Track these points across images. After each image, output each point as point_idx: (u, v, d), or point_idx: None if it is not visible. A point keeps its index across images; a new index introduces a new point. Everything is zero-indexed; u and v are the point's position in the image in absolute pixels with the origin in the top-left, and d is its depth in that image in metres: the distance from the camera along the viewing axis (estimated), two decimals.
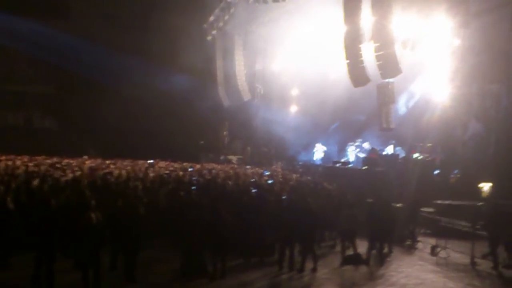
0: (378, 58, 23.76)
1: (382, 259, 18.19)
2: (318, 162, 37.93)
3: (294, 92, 40.90)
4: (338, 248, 18.99)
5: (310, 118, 39.46)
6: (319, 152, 38.51)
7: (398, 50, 24.47)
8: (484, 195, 25.79)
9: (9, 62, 47.32)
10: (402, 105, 31.58)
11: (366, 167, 30.80)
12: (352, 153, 36.35)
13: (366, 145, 35.01)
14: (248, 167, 36.85)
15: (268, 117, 41.65)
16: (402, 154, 31.72)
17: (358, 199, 20.53)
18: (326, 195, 21.49)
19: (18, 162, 27.68)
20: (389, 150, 32.70)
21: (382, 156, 31.84)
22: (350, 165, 34.27)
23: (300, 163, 39.16)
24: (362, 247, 18.17)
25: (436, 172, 28.41)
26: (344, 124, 38.34)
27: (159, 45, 43.26)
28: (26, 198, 16.51)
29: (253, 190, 20.19)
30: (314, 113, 38.79)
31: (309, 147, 40.36)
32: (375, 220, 18.10)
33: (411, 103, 31.91)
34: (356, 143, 36.36)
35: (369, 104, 31.97)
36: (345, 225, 18.47)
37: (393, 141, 32.93)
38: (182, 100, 43.58)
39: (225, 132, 48.21)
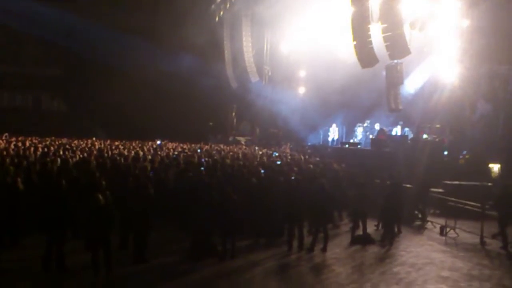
0: (386, 39, 23.67)
1: (391, 239, 18.22)
2: (333, 143, 37.83)
3: (302, 73, 40.82)
4: (347, 228, 19.00)
5: (318, 99, 39.43)
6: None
7: (407, 30, 24.39)
8: (493, 175, 25.85)
9: (17, 44, 47.43)
10: (409, 86, 31.47)
11: (375, 147, 30.83)
12: (361, 134, 36.37)
13: (376, 126, 35.00)
14: (257, 148, 36.89)
15: (276, 98, 41.63)
16: (410, 135, 31.73)
17: (367, 180, 20.51)
18: (334, 175, 21.45)
19: (28, 144, 27.78)
20: (397, 130, 32.73)
21: (391, 137, 31.85)
22: (358, 146, 34.31)
23: (309, 144, 39.13)
24: (370, 227, 18.22)
25: (445, 153, 28.41)
26: (352, 104, 38.26)
27: (166, 26, 43.20)
28: (37, 179, 16.59)
29: (262, 171, 20.24)
30: (322, 94, 38.75)
31: (317, 128, 40.38)
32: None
33: (419, 84, 31.83)
34: (365, 124, 36.37)
35: (377, 85, 32.00)
36: (354, 205, 18.52)
37: (401, 122, 32.96)
38: (190, 81, 43.56)
39: (233, 113, 48.19)
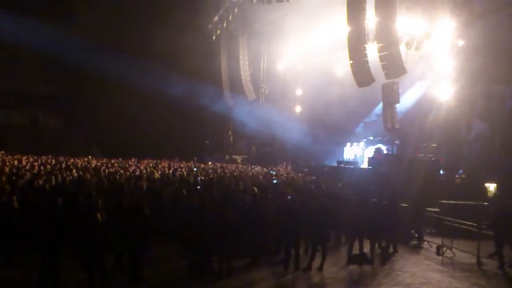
0: (382, 58, 23.76)
1: (387, 259, 18.20)
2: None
3: (299, 92, 40.92)
4: (344, 247, 18.96)
5: (314, 118, 39.56)
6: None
7: (403, 50, 24.50)
8: (489, 195, 25.87)
9: (13, 62, 47.40)
10: (405, 105, 31.61)
11: (371, 167, 30.88)
12: (357, 153, 36.46)
13: (365, 146, 35.19)
14: (253, 166, 36.91)
15: (273, 117, 41.70)
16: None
17: (363, 199, 20.51)
18: (330, 194, 21.43)
19: (24, 162, 27.72)
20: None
21: (387, 156, 31.90)
22: (355, 165, 34.37)
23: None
24: (366, 246, 18.17)
25: (441, 172, 28.46)
26: (350, 123, 38.43)
27: (163, 45, 43.26)
28: (32, 197, 16.53)
29: (257, 190, 20.20)
30: (318, 113, 38.86)
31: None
32: (380, 220, 18.09)
33: (414, 103, 32.00)
34: (360, 143, 36.46)
35: (374, 104, 32.15)
36: (350, 224, 18.48)
37: (397, 141, 33.06)
38: (186, 100, 43.63)
39: (229, 132, 48.27)
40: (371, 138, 36.33)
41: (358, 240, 18.27)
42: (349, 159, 36.84)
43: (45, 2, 44.72)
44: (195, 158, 39.45)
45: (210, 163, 38.43)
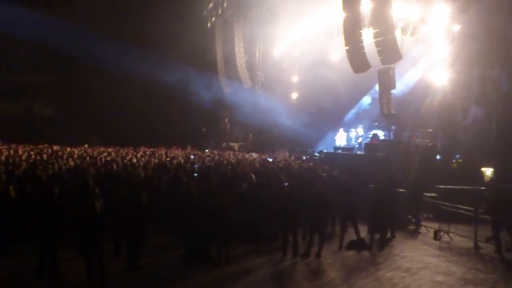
0: (377, 44, 23.65)
1: (385, 244, 18.26)
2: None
3: (295, 78, 40.82)
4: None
5: (311, 104, 39.54)
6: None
7: (398, 35, 24.42)
8: (486, 179, 25.92)
9: (9, 51, 47.28)
10: (401, 90, 31.60)
11: (367, 153, 30.90)
12: (354, 139, 36.46)
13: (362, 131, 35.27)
14: (251, 153, 36.92)
15: (269, 104, 41.64)
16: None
17: (360, 185, 20.53)
18: (328, 180, 21.44)
19: (20, 151, 27.72)
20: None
21: (384, 141, 31.92)
22: (351, 151, 34.36)
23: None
24: (363, 232, 18.22)
25: (438, 157, 28.52)
26: (345, 109, 38.43)
27: (159, 33, 43.13)
28: (29, 187, 16.53)
29: (255, 177, 20.19)
30: (314, 99, 38.85)
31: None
32: (378, 205, 18.13)
33: (410, 88, 32.02)
34: (357, 129, 36.45)
35: (369, 90, 32.16)
36: (343, 210, 18.51)
37: (394, 127, 33.07)
38: (183, 87, 43.57)
39: (226, 119, 48.23)
40: (368, 124, 36.38)
41: (353, 226, 18.33)
42: (347, 145, 36.75)
43: None
44: (189, 147, 39.45)
45: (207, 150, 38.42)
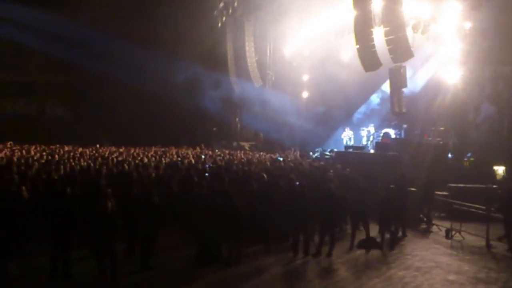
0: (388, 42, 23.61)
1: (396, 243, 18.22)
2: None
3: (305, 77, 40.76)
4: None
5: (322, 103, 39.51)
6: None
7: (409, 33, 24.37)
8: (498, 177, 25.81)
9: (20, 52, 47.42)
10: (413, 89, 31.51)
11: (379, 151, 30.83)
12: (365, 138, 36.36)
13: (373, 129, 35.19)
14: (261, 153, 36.89)
15: (280, 103, 41.60)
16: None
17: (371, 184, 20.48)
18: (339, 179, 21.40)
19: (32, 152, 27.83)
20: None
21: (395, 140, 31.83)
22: (363, 150, 34.30)
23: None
24: (374, 231, 18.19)
25: (449, 155, 28.42)
26: (356, 108, 38.37)
27: (169, 33, 43.18)
28: (42, 187, 16.60)
29: (266, 176, 20.18)
30: (325, 98, 38.81)
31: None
32: (389, 204, 18.09)
33: (422, 87, 31.93)
34: (369, 128, 36.35)
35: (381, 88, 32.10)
36: (354, 209, 18.47)
37: (405, 125, 32.97)
38: (193, 87, 43.61)
39: (237, 119, 48.22)
40: (377, 122, 36.30)
41: (364, 225, 18.30)
42: (358, 143, 36.65)
43: None
44: (202, 145, 39.47)
45: (217, 150, 38.44)
